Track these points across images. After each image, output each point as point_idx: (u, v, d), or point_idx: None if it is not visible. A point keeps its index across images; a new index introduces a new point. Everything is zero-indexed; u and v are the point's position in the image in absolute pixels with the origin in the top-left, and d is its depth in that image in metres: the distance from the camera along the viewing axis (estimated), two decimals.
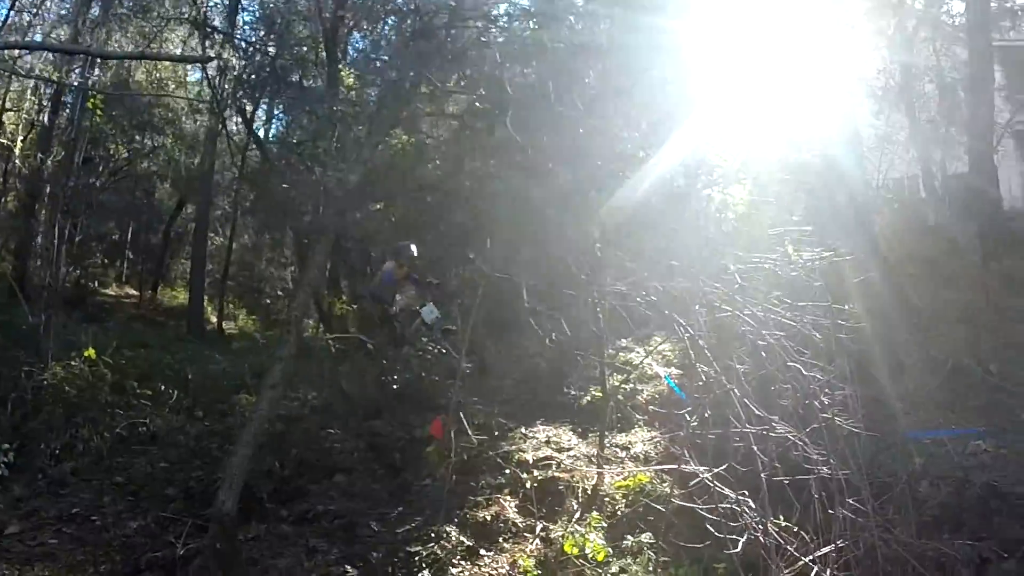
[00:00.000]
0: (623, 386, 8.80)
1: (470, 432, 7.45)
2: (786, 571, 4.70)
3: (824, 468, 5.05)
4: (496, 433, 8.36)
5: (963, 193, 17.00)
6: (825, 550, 4.79)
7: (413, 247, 11.30)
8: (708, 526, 5.00)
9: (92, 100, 14.81)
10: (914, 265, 11.87)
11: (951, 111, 21.38)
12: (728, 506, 5.03)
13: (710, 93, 8.23)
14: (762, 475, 4.93)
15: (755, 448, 4.98)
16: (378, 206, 12.58)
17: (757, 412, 5.16)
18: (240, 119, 20.60)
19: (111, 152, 23.27)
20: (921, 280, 11.32)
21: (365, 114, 9.07)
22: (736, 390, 5.18)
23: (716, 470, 5.21)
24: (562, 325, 6.96)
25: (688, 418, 5.57)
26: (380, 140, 8.36)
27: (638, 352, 9.07)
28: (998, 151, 19.38)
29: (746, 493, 5.13)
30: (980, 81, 15.51)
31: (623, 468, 7.15)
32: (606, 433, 7.72)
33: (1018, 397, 8.63)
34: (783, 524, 5.09)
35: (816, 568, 4.76)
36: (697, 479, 5.26)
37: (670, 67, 7.98)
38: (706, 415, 5.48)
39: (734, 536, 4.90)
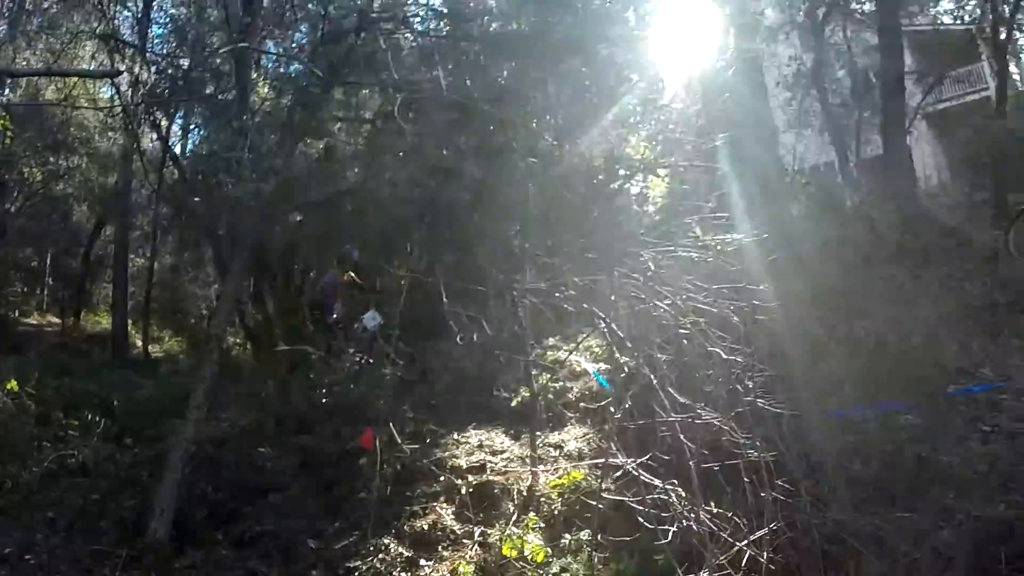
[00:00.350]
0: (552, 384, 8.80)
1: (400, 441, 7.36)
2: (720, 557, 4.70)
3: (753, 452, 5.06)
4: (428, 440, 8.31)
5: (878, 175, 17.37)
6: (759, 534, 4.79)
7: (356, 253, 11.25)
8: (640, 518, 4.99)
9: (1, 121, 14.35)
10: (831, 248, 12.03)
11: (863, 96, 21.85)
12: (657, 496, 5.04)
13: (625, 86, 8.28)
14: (690, 463, 4.93)
15: (681, 436, 4.97)
16: (299, 217, 12.42)
17: (681, 400, 5.16)
18: (155, 135, 20.19)
19: (25, 175, 22.62)
20: (840, 262, 11.48)
21: (277, 123, 8.92)
22: (656, 380, 5.17)
23: (639, 460, 5.22)
24: (483, 325, 6.92)
25: (612, 411, 5.56)
26: (292, 149, 8.26)
27: (566, 350, 9.06)
28: (911, 132, 19.88)
29: (675, 482, 5.14)
30: (890, 66, 15.85)
31: (554, 467, 7.12)
32: (538, 433, 7.71)
33: (942, 369, 8.80)
34: (715, 511, 5.09)
35: (750, 552, 4.77)
36: (627, 472, 5.26)
37: (584, 62, 7.99)
38: (627, 407, 5.49)
39: (665, 527, 4.91)
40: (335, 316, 11.70)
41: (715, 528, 4.84)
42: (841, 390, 7.92)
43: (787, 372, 7.02)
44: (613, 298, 5.70)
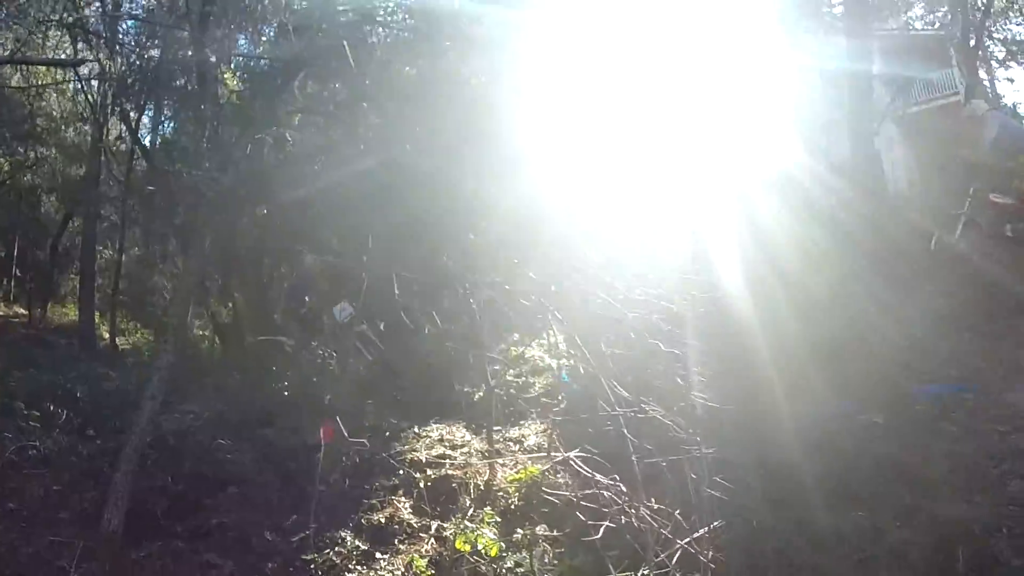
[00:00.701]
0: (515, 380, 8.83)
1: (360, 436, 7.35)
2: (661, 554, 4.70)
3: (702, 448, 5.05)
4: (388, 434, 8.31)
5: (847, 178, 17.48)
6: (699, 532, 4.79)
7: (335, 242, 10.87)
8: (578, 512, 4.98)
9: None
10: (800, 248, 12.09)
11: (834, 99, 21.98)
12: (598, 491, 5.03)
13: (593, 87, 8.28)
14: (632, 457, 4.92)
15: (624, 431, 4.97)
16: (264, 210, 12.35)
17: (625, 394, 5.15)
18: (124, 126, 20.02)
19: None
20: (808, 263, 11.53)
21: (240, 114, 8.85)
22: (602, 375, 5.17)
23: (579, 455, 5.21)
24: (434, 319, 6.93)
25: (554, 406, 5.58)
26: (251, 140, 8.20)
27: (531, 347, 9.09)
28: (878, 134, 20.01)
29: (616, 477, 5.14)
30: (858, 68, 15.99)
31: (512, 461, 7.13)
32: (497, 427, 7.72)
33: (907, 370, 8.87)
34: (655, 507, 5.08)
35: (693, 550, 4.76)
36: (574, 466, 5.26)
37: (551, 63, 7.98)
38: (569, 402, 5.50)
39: (604, 523, 4.91)
40: (304, 310, 11.51)
41: (655, 524, 4.83)
42: (807, 390, 7.95)
43: (751, 371, 7.06)
44: (562, 293, 5.70)
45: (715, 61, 11.54)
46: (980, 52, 21.95)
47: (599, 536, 4.79)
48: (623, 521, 4.92)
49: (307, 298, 11.40)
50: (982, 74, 24.57)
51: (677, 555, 4.77)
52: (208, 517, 7.54)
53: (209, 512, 7.66)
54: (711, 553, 4.72)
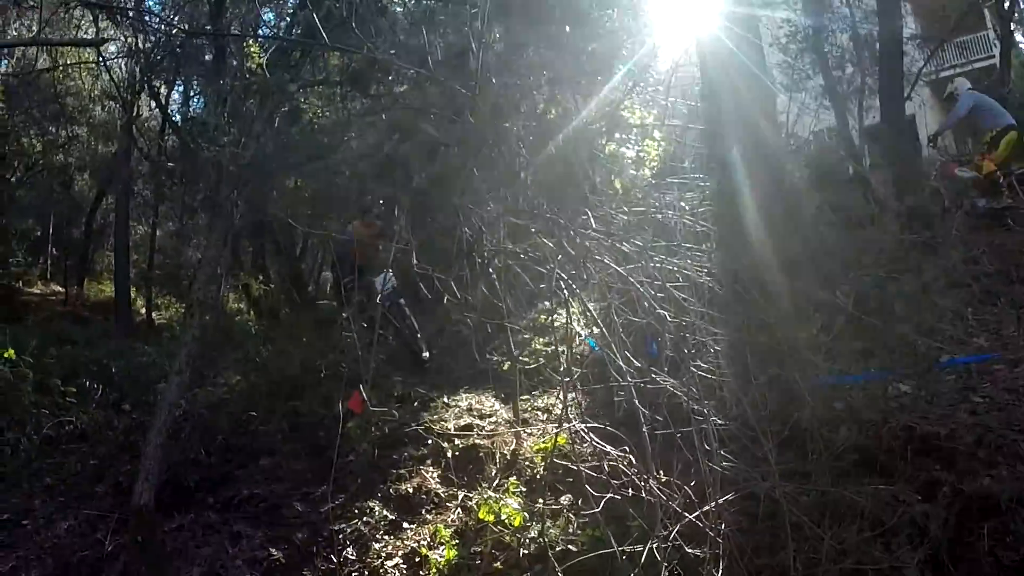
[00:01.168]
0: (544, 348, 8.81)
1: (384, 406, 7.38)
2: (671, 528, 4.68)
3: (713, 419, 4.99)
4: (416, 404, 8.33)
5: (878, 142, 17.23)
6: (708, 507, 4.74)
7: (380, 202, 10.02)
8: (586, 485, 4.95)
9: None
10: (826, 212, 11.93)
11: (866, 63, 21.62)
12: (610, 462, 5.02)
13: (617, 47, 8.21)
14: (643, 429, 4.89)
15: (635, 401, 4.93)
16: (297, 183, 12.38)
17: (635, 363, 5.11)
18: (154, 103, 20.17)
19: (24, 146, 22.61)
20: (834, 226, 11.37)
21: (259, 87, 8.84)
22: (615, 342, 5.13)
23: (590, 425, 5.18)
24: (452, 288, 6.90)
25: (563, 375, 5.54)
26: (272, 112, 8.21)
27: (560, 314, 9.04)
28: (912, 99, 19.68)
29: (627, 449, 5.12)
30: (888, 28, 15.68)
31: (532, 431, 7.13)
32: (527, 396, 7.73)
33: (934, 337, 8.72)
34: (663, 479, 5.05)
35: (701, 525, 4.72)
36: (595, 436, 5.24)
37: (573, 23, 7.90)
38: (584, 371, 5.47)
39: (610, 495, 4.90)
40: (349, 278, 10.97)
41: (664, 498, 4.80)
42: (829, 356, 7.83)
43: (771, 337, 6.97)
44: (582, 261, 5.67)
45: (742, 20, 11.36)
46: (1015, 14, 21.46)
47: (599, 508, 4.77)
48: (632, 493, 4.89)
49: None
50: (1018, 37, 24.13)
51: (685, 529, 4.73)
52: (239, 489, 7.62)
53: (240, 484, 7.75)
54: (722, 527, 4.67)
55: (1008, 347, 8.45)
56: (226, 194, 7.71)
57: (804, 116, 22.00)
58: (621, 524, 5.33)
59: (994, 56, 24.25)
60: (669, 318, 5.29)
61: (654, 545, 4.61)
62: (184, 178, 18.23)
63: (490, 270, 6.82)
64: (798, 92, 21.65)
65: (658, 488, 4.85)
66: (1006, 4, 18.69)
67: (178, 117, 20.76)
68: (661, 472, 5.13)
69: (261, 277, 14.85)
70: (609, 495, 4.96)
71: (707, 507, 4.78)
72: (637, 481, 4.93)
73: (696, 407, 4.99)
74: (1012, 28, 19.75)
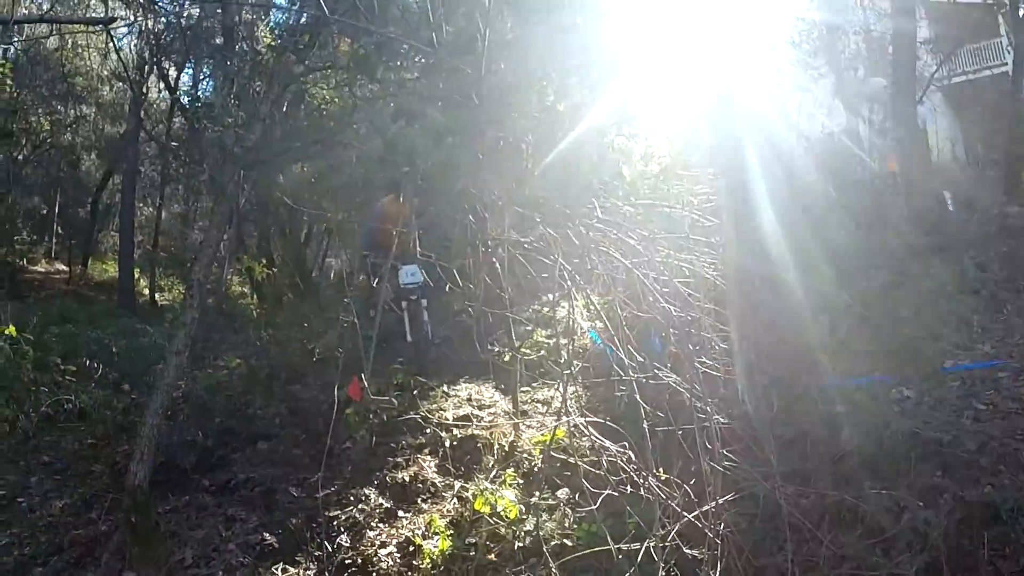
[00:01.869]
0: (546, 341, 8.74)
1: (383, 393, 7.31)
2: (670, 528, 4.61)
3: (716, 417, 4.91)
4: (416, 392, 8.26)
5: (889, 145, 17.18)
6: (708, 506, 4.67)
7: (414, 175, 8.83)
8: (583, 480, 4.88)
9: (0, 70, 14.27)
10: (837, 214, 11.89)
11: (878, 65, 21.54)
12: (610, 458, 4.95)
13: (626, 39, 8.13)
14: (644, 425, 4.81)
15: (636, 396, 4.86)
16: (304, 167, 12.32)
17: (639, 358, 5.04)
18: (163, 84, 20.17)
19: (31, 125, 22.58)
20: (843, 228, 11.34)
21: (267, 69, 8.77)
22: (616, 336, 5.05)
23: (589, 419, 5.12)
24: (455, 276, 6.83)
25: (563, 368, 5.48)
26: (279, 95, 8.16)
27: (562, 307, 8.97)
28: (924, 103, 19.60)
29: (626, 445, 5.04)
30: (902, 31, 15.63)
31: (531, 423, 7.07)
32: (527, 388, 7.67)
33: (938, 343, 8.68)
34: (663, 477, 4.97)
35: (700, 525, 4.65)
36: (594, 431, 5.18)
37: (581, 13, 7.82)
38: (586, 365, 5.41)
39: (609, 492, 4.83)
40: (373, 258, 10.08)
41: (664, 497, 4.73)
42: (833, 359, 7.78)
43: (783, 337, 6.93)
44: (586, 252, 5.59)
45: (757, 19, 11.30)
46: None
47: (597, 505, 4.70)
48: (630, 491, 4.82)
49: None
50: None
51: (683, 528, 4.67)
52: (235, 472, 7.60)
53: (237, 467, 7.73)
54: (722, 528, 4.60)
55: (1013, 355, 8.40)
56: (230, 175, 7.64)
57: (815, 117, 21.90)
58: (619, 520, 5.28)
59: (1007, 64, 24.20)
60: (674, 312, 5.21)
61: (651, 544, 4.55)
62: (190, 159, 18.20)
63: (493, 260, 6.73)
64: (810, 91, 21.54)
65: (657, 486, 4.78)
66: (1020, 11, 18.55)
67: (186, 99, 20.80)
68: (661, 470, 5.06)
69: (264, 261, 14.79)
70: (607, 491, 4.88)
71: (707, 507, 4.71)
72: (636, 478, 4.85)
73: (699, 404, 4.92)
74: None
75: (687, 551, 4.69)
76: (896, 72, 15.84)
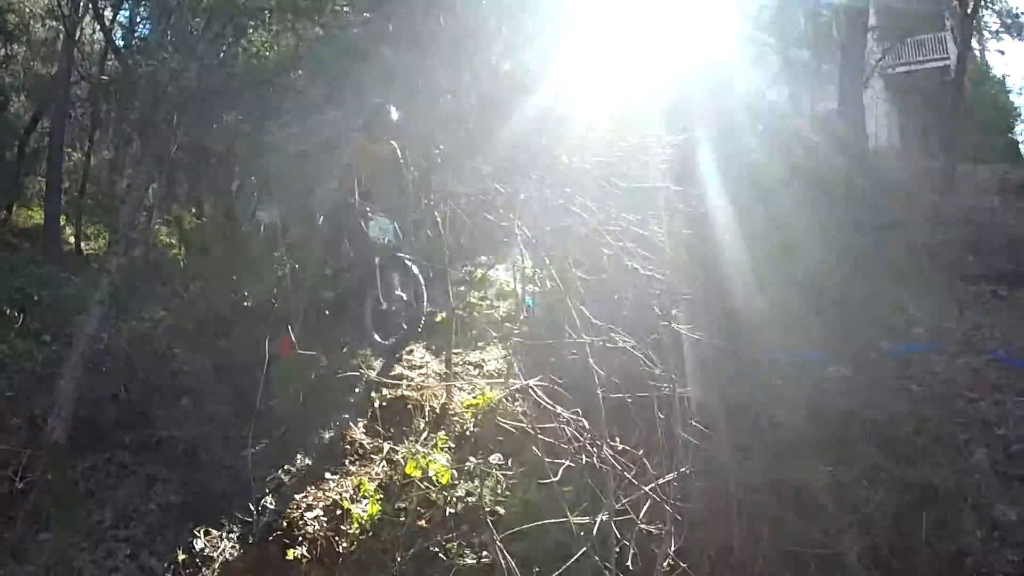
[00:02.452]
0: (479, 302, 8.58)
1: (312, 349, 7.06)
2: (623, 500, 4.48)
3: (668, 386, 4.77)
4: (345, 351, 8.07)
5: (830, 128, 17.39)
6: (668, 477, 4.53)
7: (394, 111, 7.80)
8: (534, 447, 4.72)
9: None
10: (782, 194, 11.95)
11: (824, 49, 21.78)
12: (560, 425, 4.79)
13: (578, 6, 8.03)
14: (599, 391, 4.65)
15: (590, 361, 4.68)
16: (239, 116, 11.95)
17: (593, 321, 4.86)
18: (98, 25, 19.53)
19: None
20: (791, 201, 11.41)
21: (202, 6, 8.42)
22: (571, 298, 4.86)
23: (538, 383, 4.95)
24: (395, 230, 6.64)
25: (515, 328, 5.33)
26: (218, 34, 7.88)
27: (497, 269, 8.81)
28: (868, 88, 19.88)
29: (579, 412, 4.87)
30: (854, 17, 15.90)
31: (463, 386, 6.90)
32: (459, 350, 7.50)
33: (876, 324, 8.79)
34: (620, 447, 4.83)
35: (657, 498, 4.51)
36: (534, 396, 5.01)
37: None
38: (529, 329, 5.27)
39: (563, 460, 4.68)
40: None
41: (618, 467, 4.58)
42: (781, 334, 7.78)
43: (725, 309, 6.90)
44: (535, 209, 5.42)
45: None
46: (975, 21, 21.77)
47: (558, 476, 4.52)
48: (584, 461, 4.67)
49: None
50: (974, 44, 24.51)
51: (639, 500, 4.52)
52: (158, 429, 7.45)
53: (159, 424, 7.56)
54: (674, 501, 4.48)
55: (946, 339, 8.56)
56: (163, 116, 7.36)
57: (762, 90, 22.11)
58: (554, 490, 5.16)
59: (948, 58, 24.69)
60: (641, 271, 5.05)
61: (603, 517, 4.41)
62: (122, 102, 17.68)
63: (435, 214, 6.51)
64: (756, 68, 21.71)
65: (612, 456, 4.62)
66: (967, 9, 18.95)
67: (121, 41, 20.20)
68: (618, 440, 4.92)
69: (194, 210, 14.44)
70: (559, 460, 4.70)
71: (664, 478, 4.55)
72: (589, 447, 4.69)
73: (658, 371, 4.78)
74: (971, 32, 20.08)
75: (643, 526, 4.53)
76: (846, 53, 16.12)
